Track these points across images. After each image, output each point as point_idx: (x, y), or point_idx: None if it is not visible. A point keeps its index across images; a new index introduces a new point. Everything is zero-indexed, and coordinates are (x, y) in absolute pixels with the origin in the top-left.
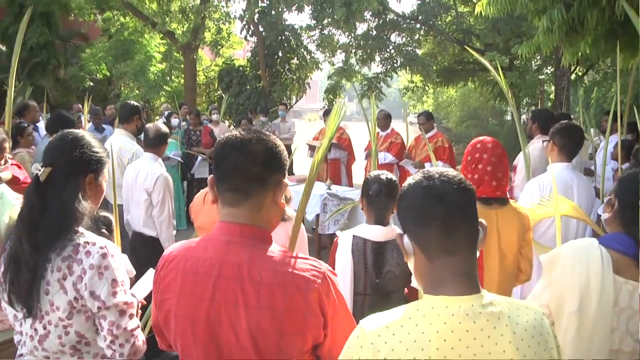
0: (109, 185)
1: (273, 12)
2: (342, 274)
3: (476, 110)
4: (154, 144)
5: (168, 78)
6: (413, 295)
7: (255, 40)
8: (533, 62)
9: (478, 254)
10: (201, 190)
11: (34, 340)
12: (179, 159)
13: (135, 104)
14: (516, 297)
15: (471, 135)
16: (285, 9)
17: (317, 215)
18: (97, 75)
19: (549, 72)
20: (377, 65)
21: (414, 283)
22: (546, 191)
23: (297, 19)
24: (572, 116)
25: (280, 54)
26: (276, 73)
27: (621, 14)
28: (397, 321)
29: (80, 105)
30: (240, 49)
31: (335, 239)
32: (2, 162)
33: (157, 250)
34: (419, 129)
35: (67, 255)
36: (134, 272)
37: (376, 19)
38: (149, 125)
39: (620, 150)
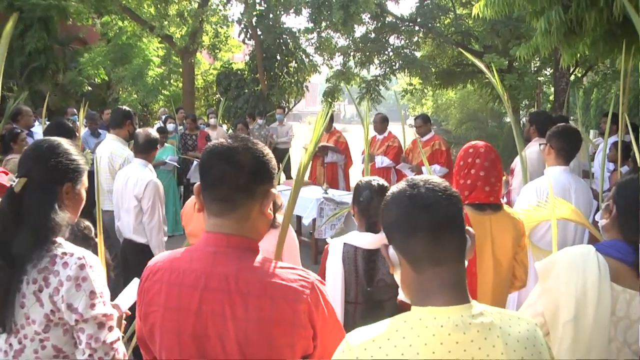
0: (102, 191)
1: (271, 16)
2: (333, 282)
3: (475, 113)
4: (144, 149)
5: (167, 82)
6: (406, 304)
7: (254, 44)
8: (532, 63)
9: (467, 262)
10: (192, 197)
11: (8, 355)
12: (175, 164)
13: (127, 108)
14: (513, 303)
15: (471, 138)
16: (283, 12)
17: (314, 220)
18: (96, 79)
19: (548, 73)
20: (376, 68)
21: (401, 295)
22: (543, 195)
23: (295, 22)
24: (572, 118)
25: (278, 57)
26: (274, 76)
27: (619, 15)
28: (384, 334)
29: (74, 109)
30: (239, 53)
31: (326, 247)
32: None
33: (148, 258)
34: (416, 132)
35: (43, 266)
36: None
37: (375, 22)
38: (138, 130)
39: (620, 151)
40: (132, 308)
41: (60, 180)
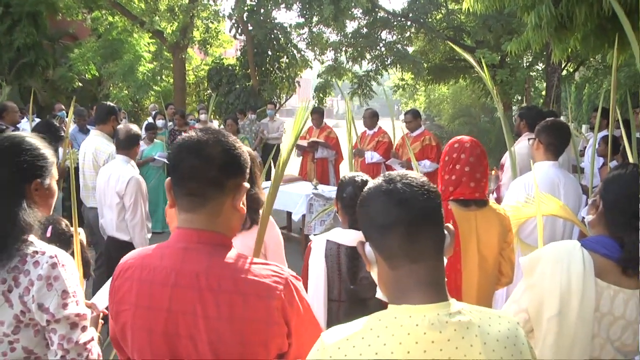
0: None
1: (262, 11)
2: (316, 280)
3: (468, 108)
4: (125, 145)
5: (158, 78)
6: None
7: (245, 39)
8: (525, 59)
9: (446, 260)
10: None
11: None
12: (165, 160)
13: (111, 104)
14: (502, 300)
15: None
16: (273, 7)
17: (304, 216)
18: (86, 75)
19: (540, 69)
20: (368, 63)
21: (379, 294)
22: (532, 190)
23: (286, 17)
24: (563, 113)
25: (269, 52)
26: (266, 72)
27: (609, 10)
28: (358, 333)
29: (62, 105)
30: (230, 48)
31: (309, 244)
32: None
33: None
34: (406, 128)
35: (13, 266)
36: None
37: (366, 17)
38: (119, 126)
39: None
40: None
41: (28, 179)
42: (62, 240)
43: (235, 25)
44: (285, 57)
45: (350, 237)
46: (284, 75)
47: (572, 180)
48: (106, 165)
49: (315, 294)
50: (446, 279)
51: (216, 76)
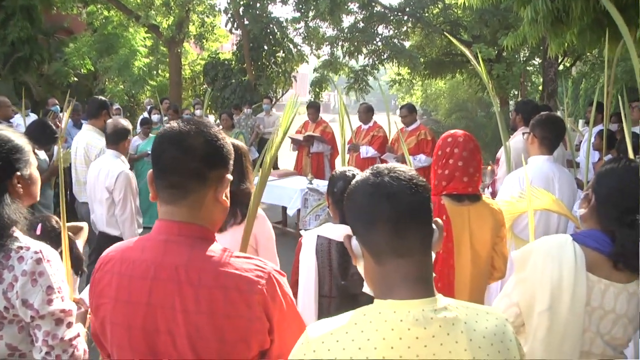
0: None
1: (258, 5)
2: (307, 275)
3: (465, 102)
4: (114, 140)
5: (154, 72)
6: None
7: (241, 34)
8: (521, 53)
9: (434, 255)
10: None
11: None
12: None
13: (103, 98)
14: (497, 293)
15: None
16: (269, 1)
17: (299, 211)
18: (82, 70)
19: (536, 63)
20: (364, 58)
21: (366, 289)
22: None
23: (282, 11)
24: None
25: (265, 47)
26: (262, 66)
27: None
28: (342, 327)
29: (55, 100)
30: (226, 42)
31: (300, 239)
32: None
33: None
34: (401, 122)
35: None
36: None
37: (363, 11)
38: (109, 121)
39: (605, 140)
40: None
41: (7, 175)
42: (52, 237)
43: (231, 19)
44: (281, 51)
45: (341, 232)
46: (280, 70)
47: (567, 175)
48: (97, 160)
49: (306, 290)
50: (439, 274)
51: (212, 71)
